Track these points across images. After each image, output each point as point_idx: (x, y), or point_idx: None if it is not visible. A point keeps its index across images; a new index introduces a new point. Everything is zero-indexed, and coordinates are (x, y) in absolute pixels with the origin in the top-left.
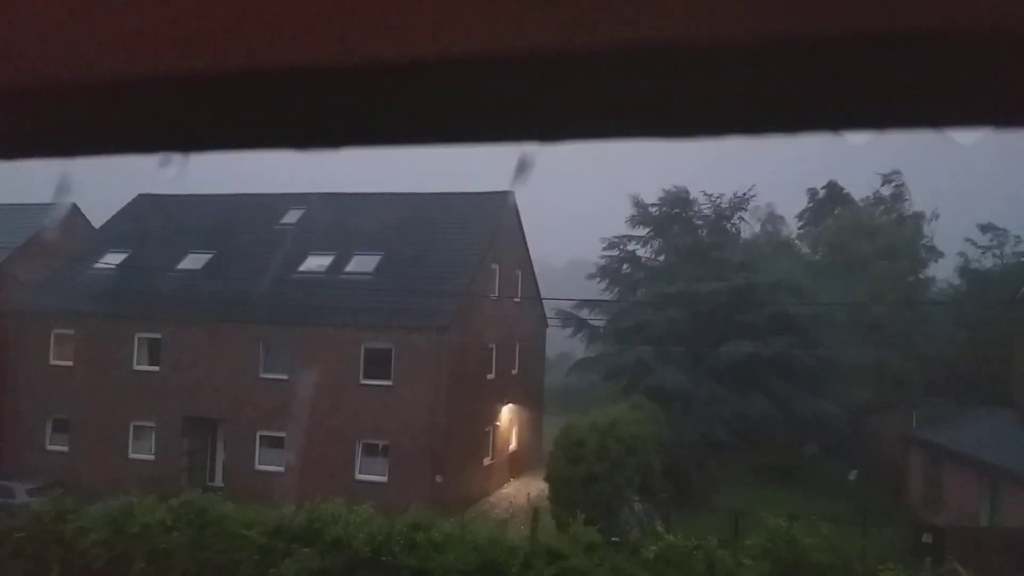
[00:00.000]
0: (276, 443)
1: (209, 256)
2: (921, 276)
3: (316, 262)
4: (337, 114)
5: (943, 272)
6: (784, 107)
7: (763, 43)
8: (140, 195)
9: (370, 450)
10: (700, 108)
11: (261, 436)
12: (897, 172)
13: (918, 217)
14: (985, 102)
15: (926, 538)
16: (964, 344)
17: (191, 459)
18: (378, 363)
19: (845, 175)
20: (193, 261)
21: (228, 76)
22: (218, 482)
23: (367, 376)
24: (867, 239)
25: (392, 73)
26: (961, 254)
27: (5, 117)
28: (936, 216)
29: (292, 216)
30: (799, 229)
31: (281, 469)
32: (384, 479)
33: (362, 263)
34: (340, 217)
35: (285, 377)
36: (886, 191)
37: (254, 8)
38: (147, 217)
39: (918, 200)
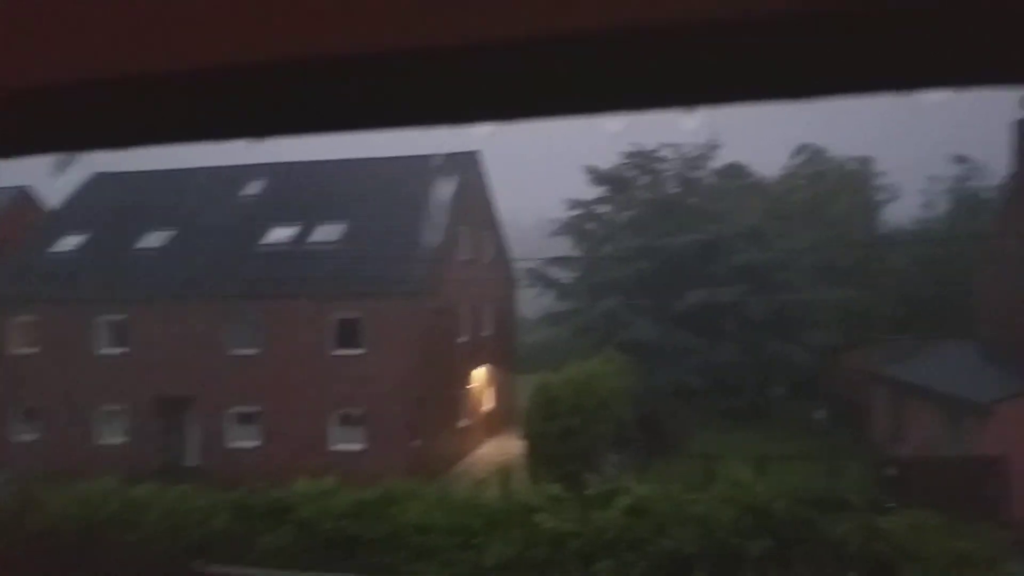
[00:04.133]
0: (249, 419)
1: (170, 233)
2: (881, 216)
3: (280, 233)
4: (329, 101)
5: (907, 211)
6: (766, 78)
7: (753, 21)
8: (95, 174)
9: (345, 420)
10: (687, 82)
11: (233, 413)
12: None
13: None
14: (974, 64)
15: (890, 471)
16: (928, 280)
17: (164, 440)
18: (349, 332)
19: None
20: (154, 239)
21: (239, 68)
22: (193, 461)
23: (338, 346)
24: (815, 185)
25: (391, 60)
26: (923, 191)
27: (12, 116)
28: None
29: (253, 188)
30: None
31: (256, 444)
32: (361, 448)
33: (327, 232)
34: (302, 186)
35: (255, 352)
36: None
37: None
38: (104, 197)
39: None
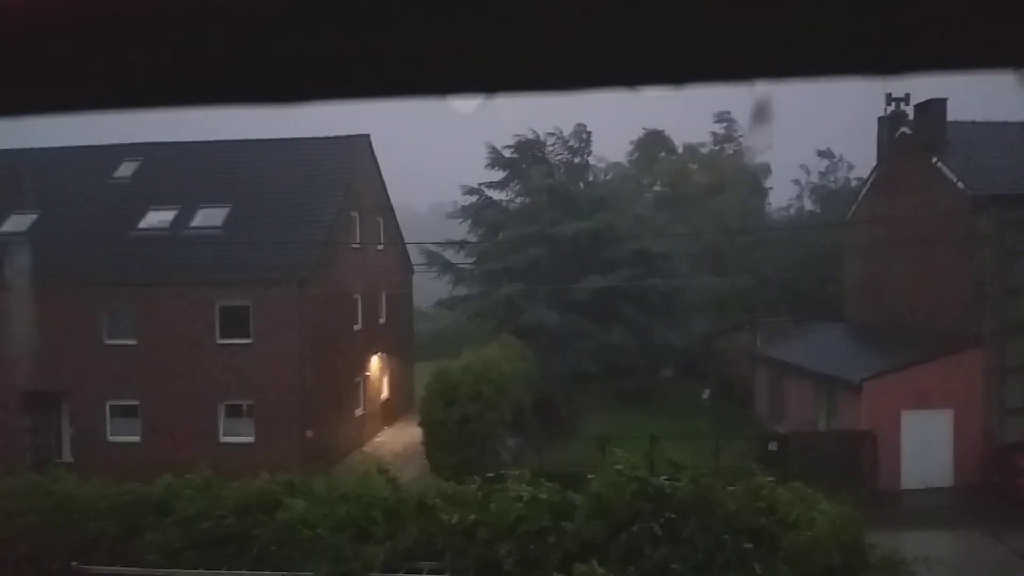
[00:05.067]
0: (129, 412)
1: (35, 217)
2: (764, 204)
3: (158, 217)
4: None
5: (783, 198)
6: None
7: None
8: None
9: (234, 411)
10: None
11: (112, 406)
12: (727, 112)
13: (752, 150)
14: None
15: (772, 446)
16: (802, 265)
17: (35, 437)
18: (235, 321)
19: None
20: (16, 223)
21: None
22: (67, 458)
23: (224, 335)
24: (703, 174)
25: None
26: (796, 181)
27: None
28: (770, 146)
29: (127, 169)
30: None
31: (137, 439)
32: (251, 439)
33: (210, 216)
34: (181, 168)
35: (133, 342)
36: (718, 129)
37: None
38: None
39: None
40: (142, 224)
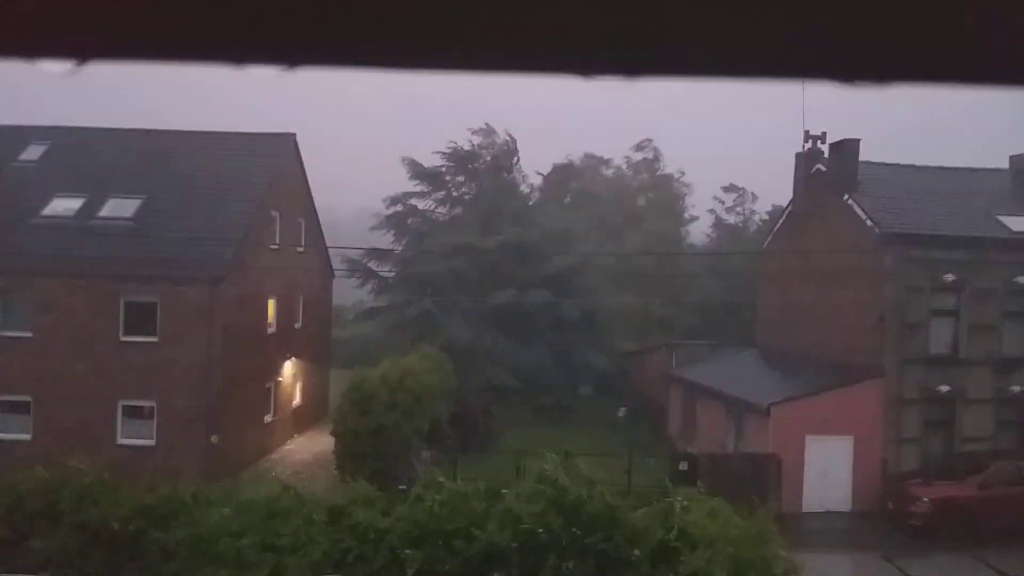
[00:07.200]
0: (20, 408)
1: None
2: (683, 231)
3: (63, 205)
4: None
5: (700, 228)
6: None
7: None
8: None
9: (133, 412)
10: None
11: (1, 401)
12: (649, 139)
13: (669, 178)
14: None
15: (683, 466)
16: (718, 292)
17: None
18: (141, 318)
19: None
20: None
21: None
22: None
23: (128, 332)
24: (631, 197)
25: None
26: (711, 211)
27: None
28: (683, 173)
29: (33, 152)
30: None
31: (27, 437)
32: (152, 443)
33: (119, 207)
34: (92, 155)
35: (29, 335)
36: (638, 156)
37: None
38: None
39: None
40: (46, 211)
